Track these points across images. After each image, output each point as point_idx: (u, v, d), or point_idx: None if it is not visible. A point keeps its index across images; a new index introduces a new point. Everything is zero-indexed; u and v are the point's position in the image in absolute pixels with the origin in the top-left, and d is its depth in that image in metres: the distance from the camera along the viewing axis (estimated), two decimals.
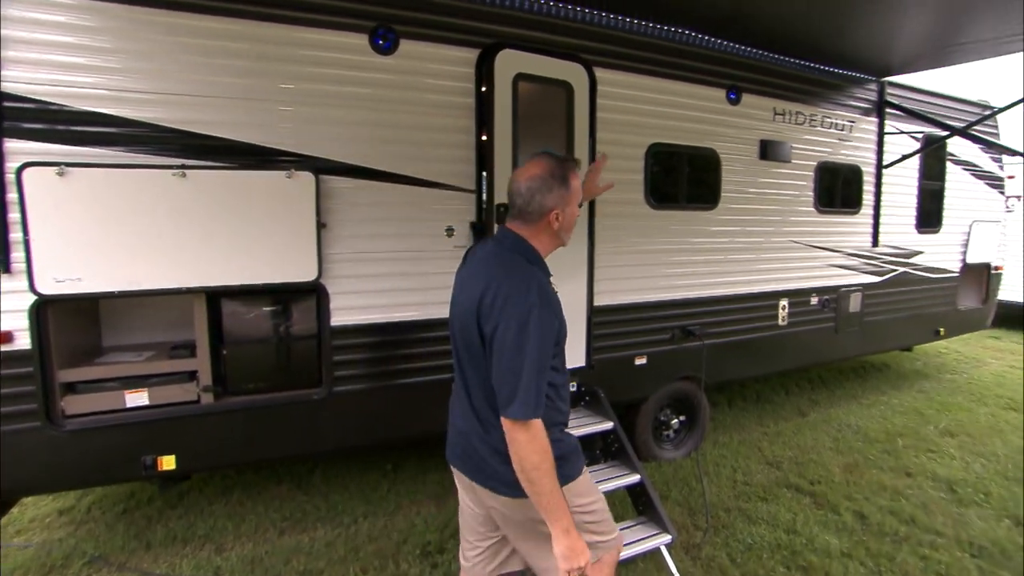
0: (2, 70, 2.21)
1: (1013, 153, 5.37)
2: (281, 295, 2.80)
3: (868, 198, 5.07)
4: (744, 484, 3.63)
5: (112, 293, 2.40)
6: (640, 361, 3.64)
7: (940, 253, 5.80)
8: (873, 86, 5.04)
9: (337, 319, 2.86)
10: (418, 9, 2.90)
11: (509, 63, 3.07)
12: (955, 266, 6.00)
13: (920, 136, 5.36)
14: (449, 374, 3.08)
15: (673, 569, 2.64)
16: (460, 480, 1.76)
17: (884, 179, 5.17)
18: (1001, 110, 5.38)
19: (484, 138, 3.04)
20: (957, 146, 5.76)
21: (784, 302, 4.43)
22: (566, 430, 1.71)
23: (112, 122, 2.37)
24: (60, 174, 2.25)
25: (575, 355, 3.35)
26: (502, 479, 1.54)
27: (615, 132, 3.45)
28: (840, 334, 4.96)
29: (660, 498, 3.38)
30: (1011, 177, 8.07)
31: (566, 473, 1.60)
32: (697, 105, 3.80)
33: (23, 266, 2.26)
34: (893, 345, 6.01)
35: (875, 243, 5.17)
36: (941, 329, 6.08)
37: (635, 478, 2.85)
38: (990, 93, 5.96)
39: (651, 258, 3.65)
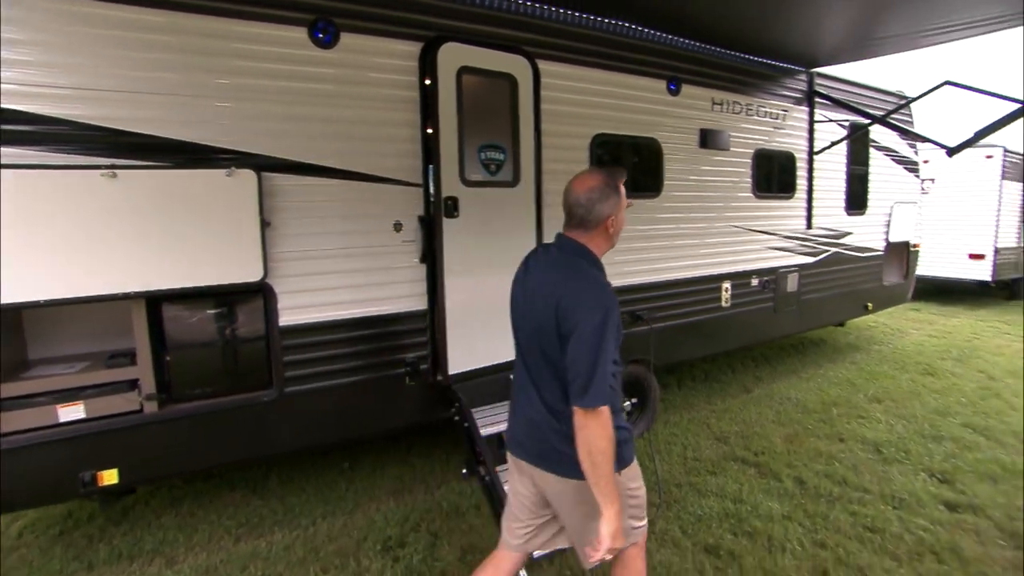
0: None
1: (925, 140, 5.79)
2: (226, 297, 2.72)
3: (801, 183, 5.36)
4: (694, 460, 3.80)
5: (37, 303, 2.26)
6: None
7: (867, 233, 6.21)
8: (803, 77, 5.31)
9: (285, 319, 2.81)
10: (358, 2, 2.86)
11: (452, 56, 3.06)
12: (880, 245, 6.44)
13: (847, 124, 5.70)
14: (402, 368, 3.12)
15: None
16: (519, 466, 1.91)
17: (815, 165, 5.47)
18: (914, 99, 5.78)
19: (429, 131, 3.03)
20: (879, 133, 6.15)
21: (727, 284, 4.64)
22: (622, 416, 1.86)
23: (29, 119, 2.23)
24: None
25: None
26: (569, 464, 1.69)
27: (560, 123, 3.51)
28: (779, 313, 5.25)
29: None
30: (926, 162, 8.69)
31: (623, 457, 1.77)
32: (639, 96, 3.91)
33: None
34: (828, 321, 6.40)
35: (809, 225, 5.47)
36: (869, 304, 6.52)
37: None
38: (906, 84, 6.39)
39: None
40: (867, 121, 5.50)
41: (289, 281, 2.80)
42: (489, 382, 3.27)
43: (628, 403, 4.12)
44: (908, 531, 2.96)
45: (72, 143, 2.30)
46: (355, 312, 2.98)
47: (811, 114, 5.42)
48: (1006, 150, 9.40)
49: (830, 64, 5.35)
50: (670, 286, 4.15)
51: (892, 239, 6.55)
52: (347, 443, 3.74)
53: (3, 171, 2.15)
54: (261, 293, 2.76)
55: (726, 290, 4.65)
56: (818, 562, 2.70)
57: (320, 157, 2.83)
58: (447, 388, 3.13)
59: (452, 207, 3.06)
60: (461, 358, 3.16)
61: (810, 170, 5.42)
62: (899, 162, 6.68)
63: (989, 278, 9.53)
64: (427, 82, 3.02)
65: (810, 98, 5.39)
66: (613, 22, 3.73)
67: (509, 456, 1.95)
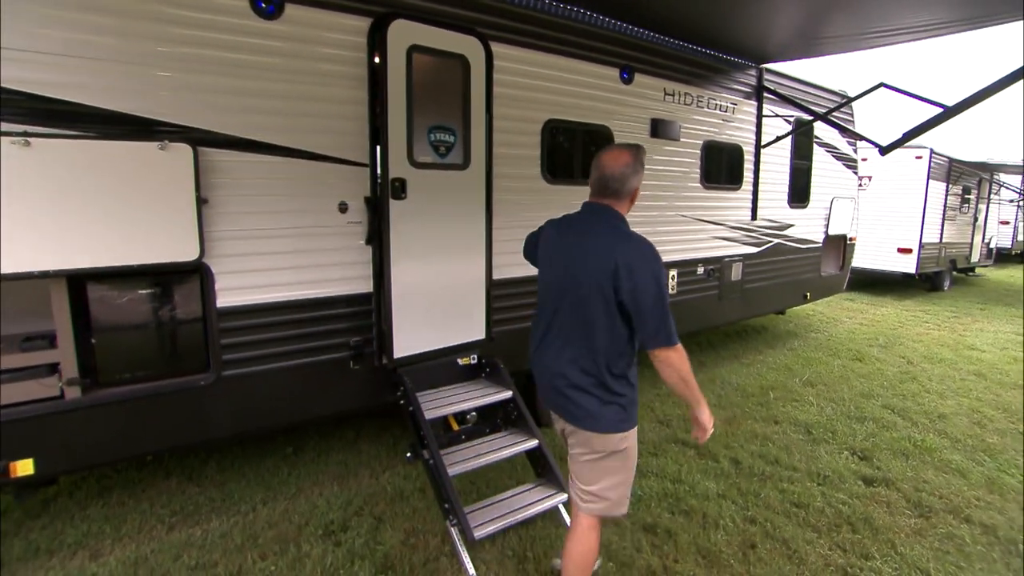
0: None
1: (861, 138, 6.09)
2: (159, 277, 2.59)
3: (748, 175, 5.54)
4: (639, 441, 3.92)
5: None
6: None
7: (807, 226, 6.49)
8: (753, 72, 5.46)
9: (224, 300, 2.71)
10: None
11: (403, 34, 2.98)
12: (819, 237, 6.75)
13: (792, 119, 5.91)
14: (347, 352, 3.06)
15: (569, 523, 2.81)
16: (557, 419, 2.13)
17: (762, 158, 5.66)
18: (853, 99, 6.05)
19: (377, 111, 2.95)
20: (822, 130, 6.41)
21: (674, 272, 4.77)
22: None
23: None
24: None
25: (474, 328, 3.42)
26: (584, 417, 1.95)
27: (512, 107, 3.49)
28: (724, 301, 5.44)
29: (560, 460, 3.59)
30: (864, 160, 9.14)
31: (632, 418, 2.04)
32: (592, 83, 3.92)
33: None
34: (770, 309, 6.68)
35: (754, 217, 5.67)
36: (808, 293, 6.85)
37: (533, 443, 2.99)
38: (849, 84, 6.66)
39: None
40: (810, 118, 5.72)
41: (228, 261, 2.69)
42: (435, 366, 3.26)
43: None
44: (829, 505, 3.16)
45: None
46: (298, 294, 2.90)
47: (759, 108, 5.59)
48: (933, 152, 10.00)
49: (779, 60, 5.52)
50: None
51: (831, 232, 6.88)
52: (290, 428, 3.67)
53: None
54: (197, 273, 2.65)
55: (672, 278, 4.77)
56: (747, 537, 2.86)
57: (262, 133, 2.72)
58: (392, 372, 3.10)
59: (399, 189, 3.01)
60: (407, 342, 3.14)
61: (756, 163, 5.60)
62: (839, 158, 6.99)
63: (914, 271, 10.18)
64: (376, 60, 2.93)
65: (759, 93, 5.56)
66: (568, 8, 3.72)
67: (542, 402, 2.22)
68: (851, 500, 3.22)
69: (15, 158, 2.14)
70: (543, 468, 2.99)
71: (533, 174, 3.67)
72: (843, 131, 6.42)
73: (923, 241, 10.15)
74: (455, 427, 3.15)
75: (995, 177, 13.70)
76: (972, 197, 12.17)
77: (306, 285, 2.93)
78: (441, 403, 3.07)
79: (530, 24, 3.54)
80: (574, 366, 1.96)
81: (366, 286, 3.08)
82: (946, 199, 10.72)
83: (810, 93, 6.15)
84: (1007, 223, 15.66)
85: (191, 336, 2.70)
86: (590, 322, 1.91)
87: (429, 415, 2.92)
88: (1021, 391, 5.29)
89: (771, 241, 5.95)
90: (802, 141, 6.22)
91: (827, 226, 6.83)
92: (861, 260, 9.95)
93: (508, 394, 3.17)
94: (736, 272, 5.54)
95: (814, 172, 6.46)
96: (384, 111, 2.94)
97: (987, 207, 13.32)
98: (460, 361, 3.36)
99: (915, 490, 3.36)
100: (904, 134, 4.32)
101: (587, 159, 4.07)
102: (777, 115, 5.77)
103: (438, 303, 3.26)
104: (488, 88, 3.34)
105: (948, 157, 10.62)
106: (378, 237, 3.02)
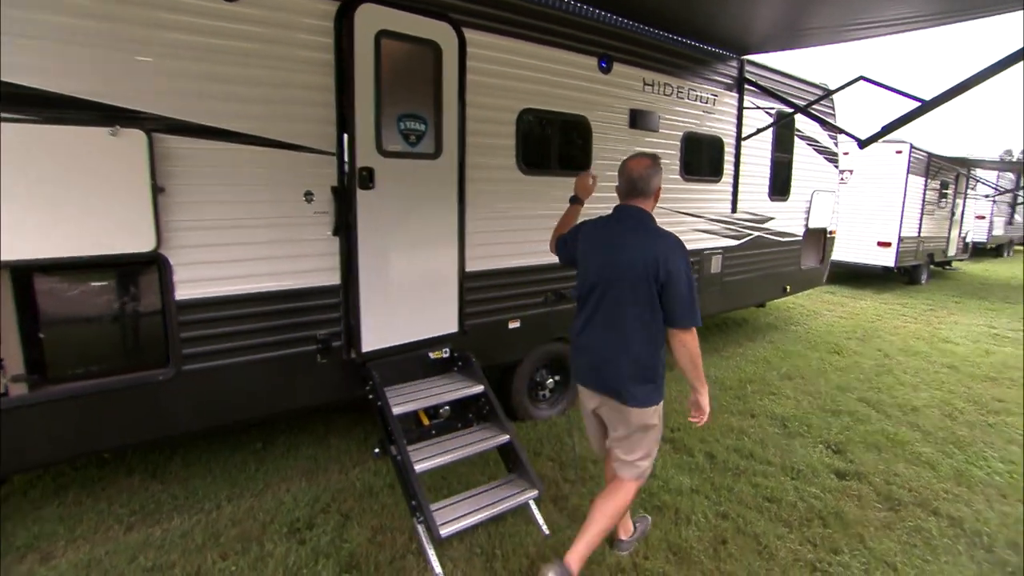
0: None
1: (841, 131, 6.10)
2: (113, 268, 2.48)
3: (728, 168, 5.51)
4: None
5: None
6: (514, 324, 3.73)
7: (788, 219, 6.50)
8: (734, 63, 5.42)
9: (183, 292, 2.61)
10: None
11: (371, 18, 2.88)
12: (799, 230, 6.77)
13: (773, 112, 5.89)
14: (314, 345, 2.98)
15: (539, 520, 2.78)
16: (591, 396, 2.41)
17: (742, 150, 5.64)
18: (833, 92, 6.05)
19: (345, 98, 2.85)
20: (803, 123, 6.40)
21: None
22: None
23: None
24: None
25: (447, 321, 3.36)
26: (630, 396, 2.24)
27: (486, 96, 3.41)
28: (703, 293, 5.42)
29: (533, 455, 3.56)
30: (846, 154, 9.19)
31: (662, 391, 2.35)
32: (569, 72, 3.85)
33: None
34: (750, 302, 6.69)
35: (734, 209, 5.65)
36: (788, 286, 6.87)
37: (504, 438, 2.95)
38: (830, 78, 6.66)
39: (524, 223, 3.69)
40: (791, 110, 5.70)
41: (187, 252, 2.59)
42: (405, 360, 3.20)
43: (551, 380, 4.16)
44: (802, 499, 3.16)
45: None
46: (262, 286, 2.81)
47: (740, 100, 5.56)
48: (912, 146, 10.09)
49: (760, 52, 5.48)
50: None
51: (811, 225, 6.90)
52: (256, 423, 3.59)
53: None
54: (154, 265, 2.54)
55: None
56: (719, 532, 2.84)
57: (223, 120, 2.61)
58: (361, 366, 3.03)
59: (367, 178, 2.92)
60: (376, 335, 3.06)
61: (737, 155, 5.58)
62: (820, 152, 7.00)
63: (893, 264, 10.30)
64: (343, 45, 2.83)
65: (740, 84, 5.52)
66: None
67: (579, 386, 2.47)
68: (823, 494, 3.22)
69: None
70: (514, 464, 2.95)
71: (508, 164, 3.59)
72: (824, 124, 6.42)
73: (902, 235, 10.27)
74: (426, 422, 3.10)
75: (972, 173, 13.89)
76: (950, 192, 12.33)
77: (270, 277, 2.84)
78: (411, 398, 3.00)
79: (505, 11, 3.45)
80: (617, 348, 2.25)
81: (333, 278, 2.99)
82: (925, 194, 10.84)
83: (791, 86, 6.13)
84: (982, 218, 15.92)
85: (149, 330, 2.60)
86: (630, 309, 2.20)
87: (398, 410, 2.86)
88: (991, 384, 5.37)
89: (751, 234, 5.95)
90: (783, 134, 6.21)
91: (807, 219, 6.85)
92: (842, 253, 10.05)
93: (480, 388, 3.11)
94: (716, 265, 5.52)
95: (795, 165, 6.46)
96: (351, 98, 2.85)
97: (964, 202, 13.51)
98: (432, 355, 3.30)
99: (886, 483, 3.37)
100: (883, 127, 4.32)
101: (564, 150, 4.01)
102: (758, 107, 5.74)
103: (409, 296, 3.19)
104: (461, 76, 3.26)
105: (927, 152, 10.72)
106: (345, 228, 2.94)
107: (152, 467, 3.26)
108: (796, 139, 6.45)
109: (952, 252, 13.27)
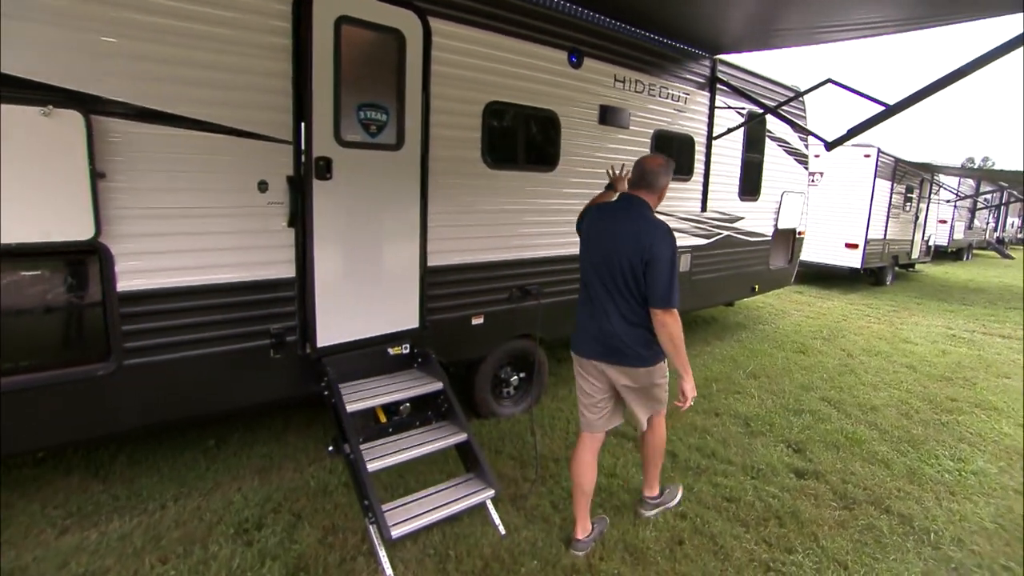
0: None
1: (809, 133, 6.18)
2: (48, 258, 2.34)
3: (699, 166, 5.53)
4: (575, 434, 3.86)
5: None
6: (477, 321, 3.68)
7: (757, 219, 6.56)
8: (707, 62, 5.43)
9: (125, 283, 2.48)
10: None
11: (331, 3, 2.78)
12: (769, 231, 6.84)
13: (744, 112, 5.93)
14: (267, 340, 2.88)
15: (496, 521, 2.74)
16: (594, 366, 2.63)
17: (713, 150, 5.66)
18: (802, 93, 6.12)
19: (302, 85, 2.75)
20: (774, 124, 6.46)
21: None
22: None
23: None
24: None
25: (408, 316, 3.29)
26: (634, 357, 2.52)
27: (451, 87, 3.33)
28: None
29: (495, 453, 3.52)
30: (817, 156, 9.34)
31: (659, 354, 2.57)
32: (537, 65, 3.79)
33: None
34: (719, 301, 6.75)
35: (703, 208, 5.68)
36: (756, 286, 6.95)
37: (462, 437, 2.90)
38: (800, 79, 6.74)
39: (488, 218, 3.63)
40: (762, 111, 5.74)
41: (130, 241, 2.46)
42: (363, 355, 3.11)
43: (515, 378, 4.12)
44: (760, 499, 3.18)
45: None
46: (211, 278, 2.69)
47: (712, 100, 5.57)
48: (880, 150, 10.31)
49: (733, 51, 5.50)
50: (563, 261, 4.13)
51: (781, 226, 6.99)
52: (205, 420, 3.45)
53: None
54: (94, 254, 2.41)
55: None
56: (676, 533, 2.84)
57: (171, 104, 2.48)
58: (316, 361, 2.94)
59: (324, 168, 2.82)
60: (332, 330, 2.98)
61: (708, 154, 5.60)
62: (791, 153, 7.09)
63: (859, 265, 10.53)
64: (301, 30, 2.72)
65: (712, 84, 5.53)
66: None
67: (578, 358, 2.69)
68: (781, 493, 3.25)
69: None
70: (472, 463, 2.90)
71: (473, 157, 3.52)
72: (793, 126, 6.49)
73: (869, 237, 10.49)
74: (383, 419, 3.02)
75: (935, 178, 14.28)
76: (914, 196, 12.65)
77: (221, 269, 2.72)
78: (368, 394, 2.93)
79: (473, 0, 3.37)
80: (623, 321, 2.49)
81: (288, 271, 2.89)
82: (891, 197, 11.09)
83: (762, 86, 6.18)
84: (944, 222, 16.38)
85: (87, 322, 2.46)
86: (629, 286, 2.44)
87: (354, 407, 2.79)
88: (946, 383, 5.51)
89: (721, 233, 5.98)
90: (754, 135, 6.25)
91: (777, 220, 6.92)
92: (811, 254, 10.22)
93: (439, 386, 3.05)
94: (684, 263, 5.54)
95: (765, 166, 6.52)
96: (309, 86, 2.75)
97: (927, 206, 13.88)
98: (391, 350, 3.23)
99: (842, 482, 3.42)
100: (848, 130, 4.37)
101: (531, 144, 3.96)
102: (730, 107, 5.77)
103: (367, 290, 3.10)
104: (425, 66, 3.17)
105: (894, 157, 10.97)
106: (301, 219, 2.84)
107: (95, 466, 3.12)
108: (767, 140, 6.51)
109: (916, 255, 13.64)
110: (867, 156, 10.26)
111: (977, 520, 3.11)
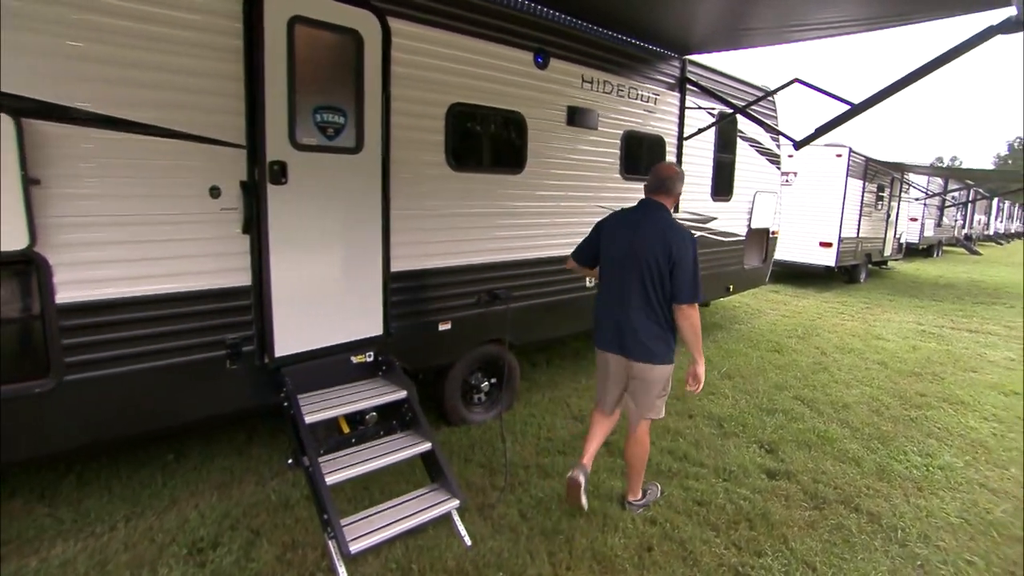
0: None
1: (779, 133, 6.23)
2: None
3: None
4: (547, 440, 3.82)
5: None
6: (444, 327, 3.60)
7: (731, 219, 6.58)
8: (676, 63, 5.43)
9: (65, 295, 2.36)
10: None
11: (282, 3, 2.70)
12: (742, 231, 6.88)
13: (715, 112, 5.94)
14: (222, 350, 2.77)
15: (462, 532, 2.67)
16: (612, 358, 2.91)
17: (684, 150, 5.66)
18: (771, 93, 6.17)
19: (254, 87, 2.66)
20: (745, 124, 6.50)
21: None
22: None
23: None
24: None
25: (371, 323, 3.20)
26: (648, 353, 2.77)
27: (413, 88, 3.26)
28: None
29: (464, 461, 3.45)
30: (790, 156, 9.44)
31: (672, 358, 2.86)
32: (502, 66, 3.74)
33: None
34: None
35: (676, 209, 5.67)
36: (731, 286, 6.98)
37: (426, 446, 2.82)
38: (769, 79, 6.80)
39: (453, 221, 3.56)
40: (731, 111, 5.76)
41: (69, 251, 2.35)
42: (325, 365, 3.02)
43: (485, 383, 4.05)
44: (731, 501, 3.16)
45: None
46: (161, 288, 2.58)
47: (682, 100, 5.57)
48: (851, 150, 10.48)
49: (701, 51, 5.51)
50: (531, 264, 4.08)
51: (754, 226, 7.03)
52: (157, 436, 3.31)
53: None
54: (29, 265, 2.29)
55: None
56: (645, 539, 2.79)
57: (113, 107, 2.37)
58: (275, 371, 2.85)
59: (279, 172, 2.73)
60: (291, 339, 2.88)
61: (679, 155, 5.60)
62: (763, 153, 7.14)
63: (834, 264, 10.67)
64: (253, 30, 2.63)
65: (682, 84, 5.54)
66: None
67: (600, 351, 2.97)
68: (752, 495, 3.23)
69: None
70: (436, 473, 2.82)
71: (436, 160, 3.45)
72: (763, 126, 6.54)
73: (842, 235, 10.65)
74: (346, 430, 2.93)
75: (906, 177, 14.57)
76: (886, 195, 12.89)
77: (172, 278, 2.61)
78: (329, 404, 2.84)
79: (434, 1, 3.31)
80: (642, 317, 2.73)
81: (244, 279, 2.79)
82: (863, 196, 11.28)
83: (732, 87, 6.21)
84: (915, 220, 16.74)
85: (22, 337, 2.34)
86: (650, 285, 2.70)
87: (313, 418, 2.69)
88: (915, 379, 5.58)
89: (694, 234, 5.97)
90: (726, 135, 6.28)
91: (750, 220, 6.96)
92: (786, 254, 10.34)
93: (403, 394, 2.97)
94: None
95: (737, 166, 6.55)
96: (261, 88, 2.66)
97: (899, 204, 14.16)
98: (354, 359, 3.14)
99: (813, 481, 3.42)
100: (816, 129, 4.40)
101: (498, 146, 3.90)
102: (700, 107, 5.78)
103: (328, 297, 3.01)
104: (385, 67, 3.10)
105: (865, 156, 11.16)
106: (256, 225, 2.74)
107: (40, 487, 2.97)
108: (739, 140, 6.54)
109: (888, 252, 13.89)
110: (839, 156, 10.42)
111: (943, 516, 3.13)
